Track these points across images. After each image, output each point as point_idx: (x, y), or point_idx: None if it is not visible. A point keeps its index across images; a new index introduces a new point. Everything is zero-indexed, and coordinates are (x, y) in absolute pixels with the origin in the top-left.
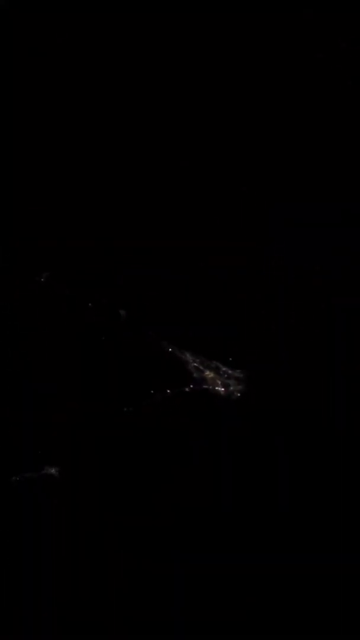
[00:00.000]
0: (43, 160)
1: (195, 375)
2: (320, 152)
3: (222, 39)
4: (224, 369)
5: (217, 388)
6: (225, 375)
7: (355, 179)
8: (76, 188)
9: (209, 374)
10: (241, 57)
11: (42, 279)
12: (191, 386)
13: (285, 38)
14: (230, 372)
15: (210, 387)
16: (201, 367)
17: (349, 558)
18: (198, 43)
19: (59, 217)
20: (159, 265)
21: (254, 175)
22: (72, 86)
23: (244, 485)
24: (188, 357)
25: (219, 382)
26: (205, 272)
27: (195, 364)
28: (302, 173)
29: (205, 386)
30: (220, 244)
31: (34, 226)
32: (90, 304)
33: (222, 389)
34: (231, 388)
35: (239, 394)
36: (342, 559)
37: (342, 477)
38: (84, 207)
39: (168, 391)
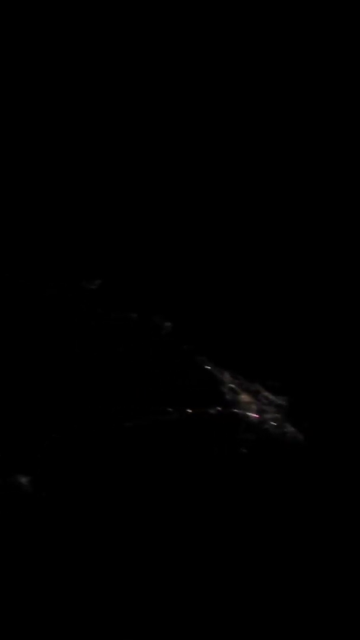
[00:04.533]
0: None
1: (228, 397)
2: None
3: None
4: (265, 394)
5: (248, 414)
6: (266, 401)
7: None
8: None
9: (244, 397)
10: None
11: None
12: (218, 408)
13: None
14: (271, 398)
15: (242, 411)
16: (238, 389)
17: None
18: None
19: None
20: (203, 276)
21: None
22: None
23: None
24: (226, 376)
25: (254, 408)
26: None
27: (232, 385)
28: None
29: (235, 410)
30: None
31: (43, 237)
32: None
33: (256, 416)
34: (267, 416)
35: (274, 423)
36: None
37: None
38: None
39: (188, 410)
